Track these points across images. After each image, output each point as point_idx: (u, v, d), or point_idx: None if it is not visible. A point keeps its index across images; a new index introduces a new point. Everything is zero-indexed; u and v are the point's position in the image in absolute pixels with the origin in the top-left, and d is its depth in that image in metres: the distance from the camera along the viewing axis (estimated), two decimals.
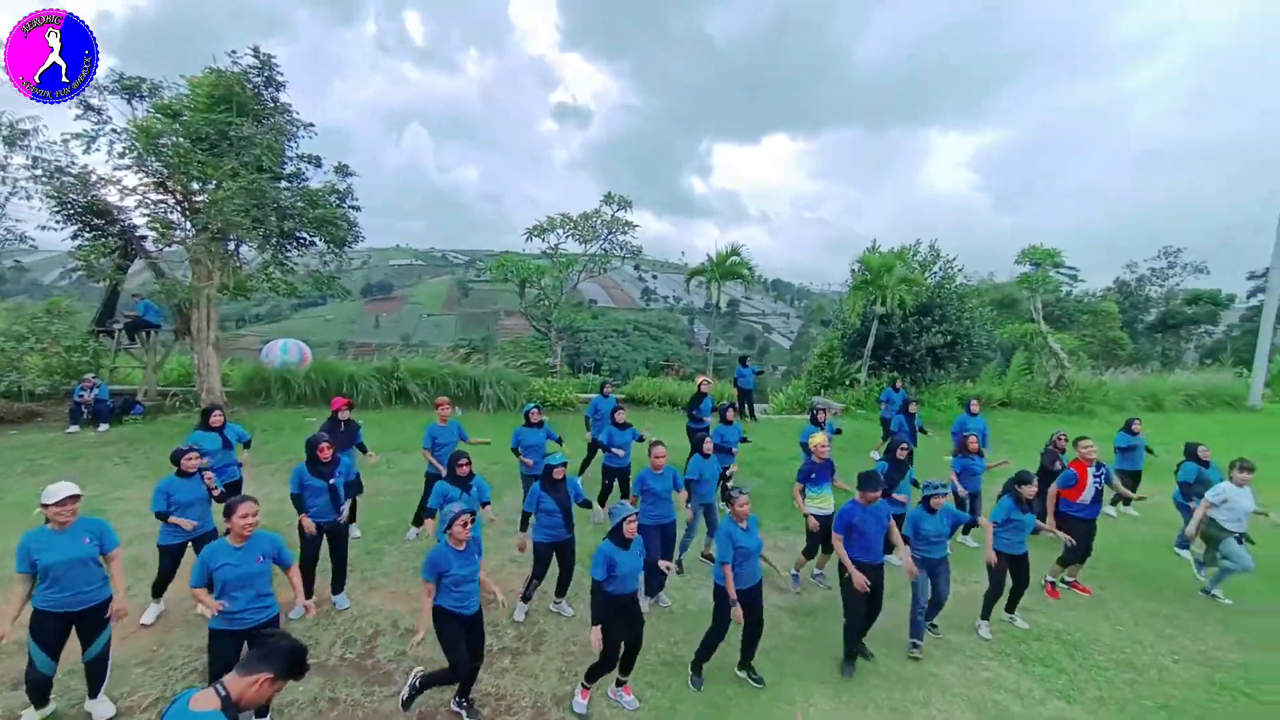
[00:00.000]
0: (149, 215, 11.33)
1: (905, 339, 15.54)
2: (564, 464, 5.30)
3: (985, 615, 5.65)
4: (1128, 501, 9.10)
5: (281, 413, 12.37)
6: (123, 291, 12.53)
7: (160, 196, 11.10)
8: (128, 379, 12.36)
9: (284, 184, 12.45)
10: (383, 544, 6.88)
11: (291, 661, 2.28)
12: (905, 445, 6.39)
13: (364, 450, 6.88)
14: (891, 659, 5.19)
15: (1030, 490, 5.38)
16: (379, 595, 5.80)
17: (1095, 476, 6.16)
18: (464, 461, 5.31)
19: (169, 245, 11.86)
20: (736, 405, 8.30)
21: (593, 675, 4.33)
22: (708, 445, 6.30)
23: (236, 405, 12.26)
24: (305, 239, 12.32)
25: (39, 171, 10.60)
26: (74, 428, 10.36)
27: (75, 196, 10.77)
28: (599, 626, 4.05)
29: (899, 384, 11.45)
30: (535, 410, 7.29)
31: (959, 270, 16.75)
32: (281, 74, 11.71)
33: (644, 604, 5.65)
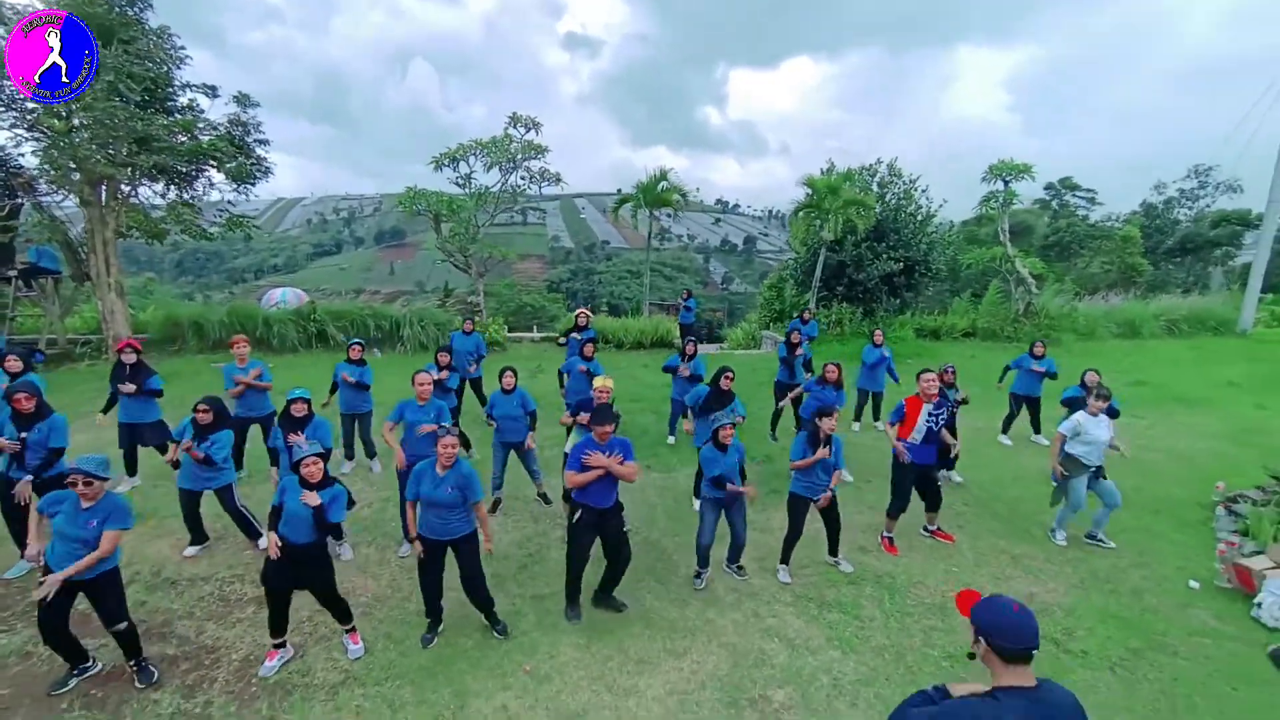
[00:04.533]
0: (40, 155, 10.84)
1: (858, 266, 14.52)
2: (305, 399, 4.92)
3: (784, 559, 5.12)
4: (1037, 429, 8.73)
5: (191, 359, 12.19)
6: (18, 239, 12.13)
7: (31, 133, 10.54)
8: (32, 329, 12.18)
9: (176, 116, 11.81)
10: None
11: None
12: (731, 373, 5.89)
13: (158, 395, 6.28)
14: (671, 605, 4.76)
15: (829, 424, 4.73)
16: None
17: (931, 415, 5.35)
18: (203, 407, 4.86)
19: (61, 187, 11.41)
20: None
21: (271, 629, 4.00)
22: (507, 379, 5.77)
23: (150, 351, 12.07)
24: (191, 175, 11.69)
25: None
26: None
27: None
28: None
29: (806, 315, 10.62)
30: (357, 346, 6.93)
31: (922, 191, 15.40)
32: None
33: (403, 550, 5.30)
